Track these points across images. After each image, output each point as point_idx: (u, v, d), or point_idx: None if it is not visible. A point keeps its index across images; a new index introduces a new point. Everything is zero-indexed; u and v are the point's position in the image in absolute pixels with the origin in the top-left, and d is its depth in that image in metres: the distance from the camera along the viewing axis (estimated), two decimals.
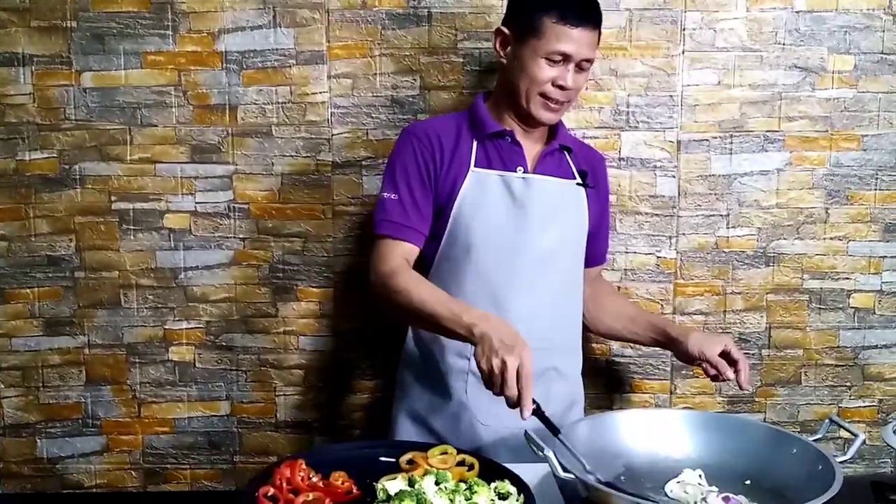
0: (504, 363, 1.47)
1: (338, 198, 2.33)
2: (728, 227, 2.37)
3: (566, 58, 1.77)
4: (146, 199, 2.32)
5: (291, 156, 2.32)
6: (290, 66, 2.29)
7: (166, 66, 2.27)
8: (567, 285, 1.95)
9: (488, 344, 1.51)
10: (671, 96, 2.32)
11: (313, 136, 2.31)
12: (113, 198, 2.32)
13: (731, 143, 2.34)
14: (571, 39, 1.76)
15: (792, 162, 2.35)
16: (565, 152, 1.95)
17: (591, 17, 1.80)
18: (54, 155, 2.30)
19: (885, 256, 2.40)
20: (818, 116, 2.33)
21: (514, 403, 1.48)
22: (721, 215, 2.37)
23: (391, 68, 2.30)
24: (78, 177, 2.31)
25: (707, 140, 2.34)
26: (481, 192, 1.85)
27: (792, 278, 2.39)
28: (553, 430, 1.50)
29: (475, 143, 1.88)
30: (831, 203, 2.37)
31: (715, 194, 2.36)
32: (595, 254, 2.08)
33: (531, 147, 1.91)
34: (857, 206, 2.38)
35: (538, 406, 1.50)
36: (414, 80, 2.30)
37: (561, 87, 1.80)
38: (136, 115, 2.29)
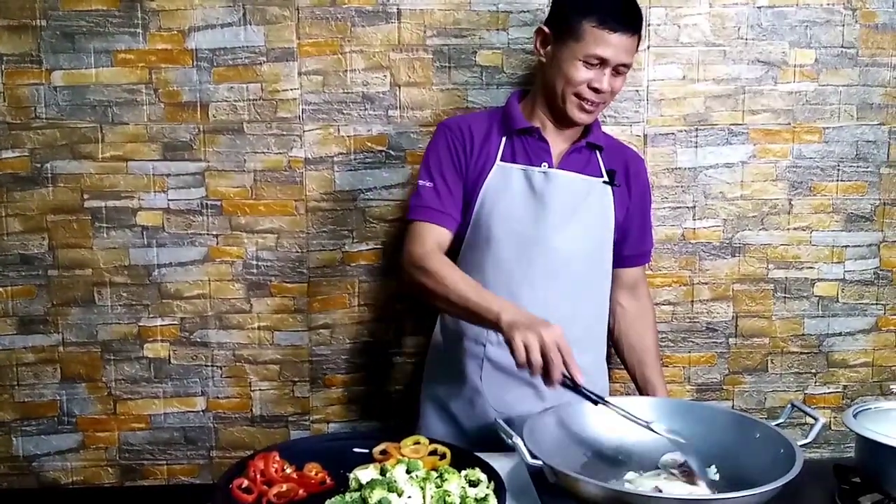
0: (542, 335, 1.52)
1: (310, 193, 2.35)
2: (694, 219, 2.41)
3: (603, 62, 1.80)
4: (118, 197, 2.32)
5: (263, 152, 2.33)
6: (260, 64, 2.30)
7: (137, 64, 2.28)
8: (588, 281, 1.97)
9: (519, 325, 1.56)
10: (637, 91, 2.36)
11: (285, 133, 2.33)
12: (85, 196, 2.32)
13: (697, 136, 2.38)
14: (609, 44, 1.79)
15: (756, 154, 2.40)
16: (596, 151, 1.98)
17: (631, 24, 1.81)
18: (25, 153, 2.29)
19: (847, 246, 2.45)
20: (781, 110, 2.38)
21: (557, 377, 1.52)
22: (687, 207, 2.41)
23: (361, 65, 2.31)
24: (50, 175, 2.30)
25: (673, 134, 2.38)
26: (504, 185, 1.90)
27: (757, 268, 2.44)
28: (592, 400, 1.57)
29: (503, 139, 1.93)
30: (794, 194, 2.42)
31: (681, 187, 2.40)
32: (629, 254, 2.08)
33: (559, 144, 1.95)
34: (820, 197, 2.43)
35: (573, 378, 1.55)
36: (384, 76, 2.32)
37: (596, 90, 1.83)
38: (108, 113, 2.29)
